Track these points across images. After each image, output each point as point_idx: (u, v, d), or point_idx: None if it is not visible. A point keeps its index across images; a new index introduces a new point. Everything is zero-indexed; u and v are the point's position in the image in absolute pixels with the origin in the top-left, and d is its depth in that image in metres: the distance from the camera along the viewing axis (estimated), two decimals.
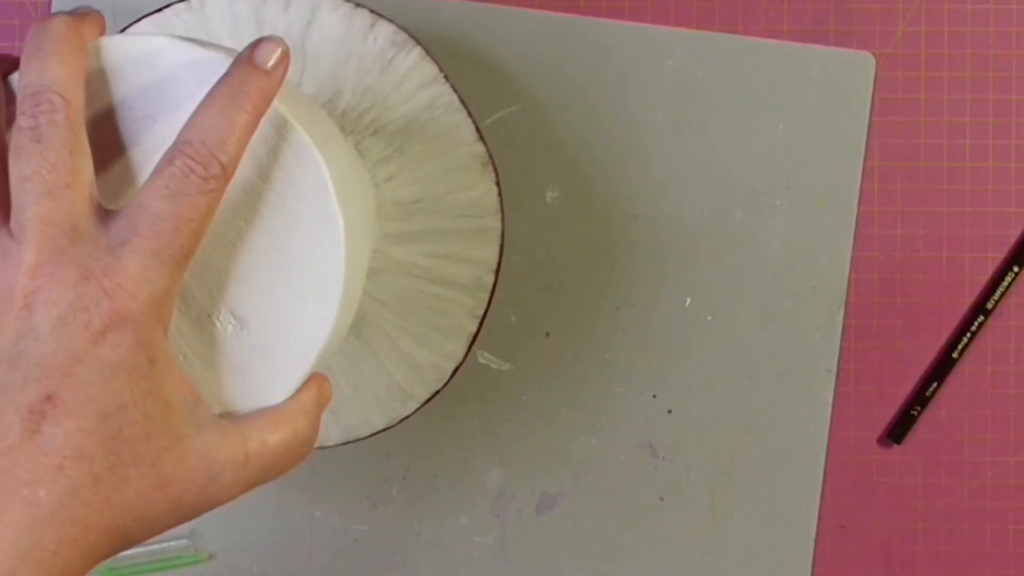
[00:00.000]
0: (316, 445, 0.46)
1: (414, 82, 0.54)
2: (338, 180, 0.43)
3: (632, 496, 0.60)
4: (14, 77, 0.43)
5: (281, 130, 0.42)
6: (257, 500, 0.60)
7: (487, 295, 0.55)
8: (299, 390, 0.44)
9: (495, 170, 0.55)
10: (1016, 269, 0.60)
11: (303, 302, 0.43)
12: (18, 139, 0.40)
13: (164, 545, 0.60)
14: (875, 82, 0.60)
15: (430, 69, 0.54)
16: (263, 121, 0.42)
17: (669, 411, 0.60)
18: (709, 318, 0.60)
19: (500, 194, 0.55)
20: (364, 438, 0.56)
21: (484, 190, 0.55)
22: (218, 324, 0.43)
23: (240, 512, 0.60)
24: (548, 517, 0.60)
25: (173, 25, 0.54)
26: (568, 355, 0.60)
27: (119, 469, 0.39)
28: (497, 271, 0.55)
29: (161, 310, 0.41)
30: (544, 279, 0.60)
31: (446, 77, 0.54)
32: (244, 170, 0.42)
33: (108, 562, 0.54)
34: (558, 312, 0.60)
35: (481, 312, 0.55)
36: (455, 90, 0.55)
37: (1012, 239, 0.60)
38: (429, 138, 0.55)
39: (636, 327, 0.60)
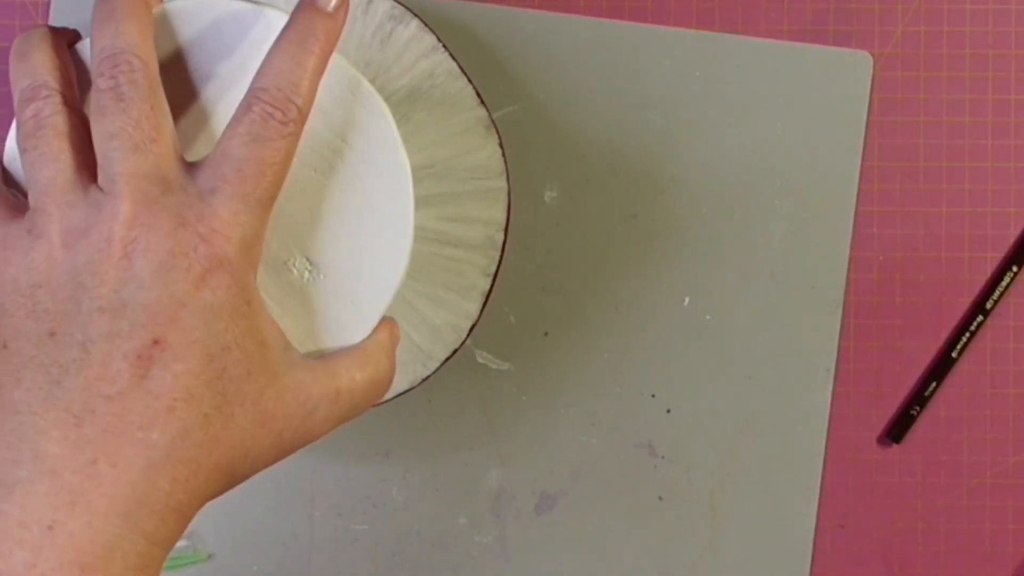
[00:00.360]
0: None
1: (414, 52, 0.56)
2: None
3: (631, 496, 0.60)
4: (78, 46, 0.45)
5: (345, 80, 0.44)
6: (257, 500, 0.60)
7: (498, 253, 0.56)
8: (375, 331, 0.46)
9: (497, 132, 0.56)
10: (1015, 269, 0.60)
11: (375, 246, 0.45)
12: (99, 100, 0.41)
13: None
14: (874, 82, 0.60)
15: (428, 39, 0.56)
16: (327, 73, 0.43)
17: (668, 411, 0.60)
18: (708, 318, 0.60)
19: (504, 155, 0.56)
20: (388, 400, 0.56)
21: (489, 152, 0.56)
22: (294, 270, 0.45)
23: (240, 512, 0.60)
24: (548, 517, 0.60)
25: None
26: (567, 355, 0.60)
27: (225, 408, 0.41)
28: (506, 229, 0.56)
29: (252, 253, 0.42)
30: (543, 279, 0.60)
31: (444, 46, 0.56)
32: (311, 120, 0.44)
33: None
34: (557, 312, 0.60)
35: (494, 270, 0.56)
36: (454, 58, 0.56)
37: (1011, 239, 0.60)
38: (432, 105, 0.56)
39: (635, 327, 0.60)
